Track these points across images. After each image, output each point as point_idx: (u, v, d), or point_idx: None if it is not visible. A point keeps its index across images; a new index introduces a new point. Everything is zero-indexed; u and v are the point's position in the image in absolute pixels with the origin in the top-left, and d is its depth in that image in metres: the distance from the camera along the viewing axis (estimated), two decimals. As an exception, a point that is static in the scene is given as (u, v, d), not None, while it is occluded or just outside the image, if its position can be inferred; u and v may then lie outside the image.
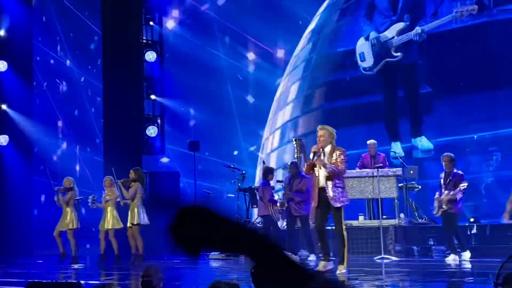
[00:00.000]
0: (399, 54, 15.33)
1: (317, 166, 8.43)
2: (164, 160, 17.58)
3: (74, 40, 19.68)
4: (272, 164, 16.14)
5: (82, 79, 19.67)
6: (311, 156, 8.53)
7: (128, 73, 15.82)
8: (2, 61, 16.47)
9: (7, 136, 16.33)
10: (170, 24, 17.92)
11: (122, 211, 12.37)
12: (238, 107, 17.81)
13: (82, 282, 6.08)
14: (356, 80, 15.98)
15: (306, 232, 11.35)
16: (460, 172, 10.59)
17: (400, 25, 15.30)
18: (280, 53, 17.79)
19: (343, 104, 16.00)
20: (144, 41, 16.23)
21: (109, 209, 12.32)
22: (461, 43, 14.51)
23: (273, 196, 12.10)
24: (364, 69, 15.84)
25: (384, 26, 15.60)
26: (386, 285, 7.88)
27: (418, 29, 14.95)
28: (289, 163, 12.09)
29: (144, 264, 10.73)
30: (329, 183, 8.33)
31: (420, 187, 12.89)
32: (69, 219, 12.40)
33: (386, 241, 11.28)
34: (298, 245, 11.72)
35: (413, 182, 12.74)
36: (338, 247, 8.70)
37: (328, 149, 8.44)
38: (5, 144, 16.30)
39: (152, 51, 16.10)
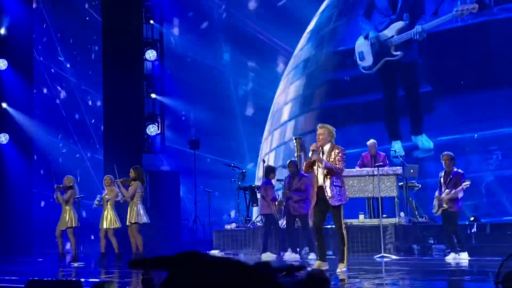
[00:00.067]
0: (399, 53, 15.31)
1: (316, 164, 8.40)
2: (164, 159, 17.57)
3: (74, 40, 19.66)
4: (271, 163, 16.14)
5: (82, 79, 19.65)
6: (309, 154, 8.49)
7: (128, 71, 15.80)
8: (2, 59, 16.48)
9: (7, 135, 16.34)
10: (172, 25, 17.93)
11: (122, 210, 12.37)
12: (238, 107, 17.80)
13: (82, 280, 6.08)
14: (356, 79, 15.98)
15: (305, 231, 11.33)
16: (460, 171, 10.58)
17: (399, 24, 15.28)
18: (280, 53, 17.79)
19: (343, 103, 16.00)
20: (144, 39, 16.22)
21: (108, 208, 12.34)
22: (461, 42, 14.50)
23: (276, 195, 12.09)
24: (364, 68, 15.82)
25: (383, 25, 15.58)
26: (386, 284, 7.87)
27: (418, 27, 14.94)
28: (287, 162, 12.06)
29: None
30: (327, 182, 8.28)
31: (420, 186, 12.90)
32: (68, 218, 12.43)
33: (386, 240, 11.28)
34: (299, 244, 11.71)
35: (413, 181, 12.74)
36: (338, 245, 8.67)
37: (327, 147, 8.40)
38: (5, 142, 16.31)
39: (152, 50, 16.09)
